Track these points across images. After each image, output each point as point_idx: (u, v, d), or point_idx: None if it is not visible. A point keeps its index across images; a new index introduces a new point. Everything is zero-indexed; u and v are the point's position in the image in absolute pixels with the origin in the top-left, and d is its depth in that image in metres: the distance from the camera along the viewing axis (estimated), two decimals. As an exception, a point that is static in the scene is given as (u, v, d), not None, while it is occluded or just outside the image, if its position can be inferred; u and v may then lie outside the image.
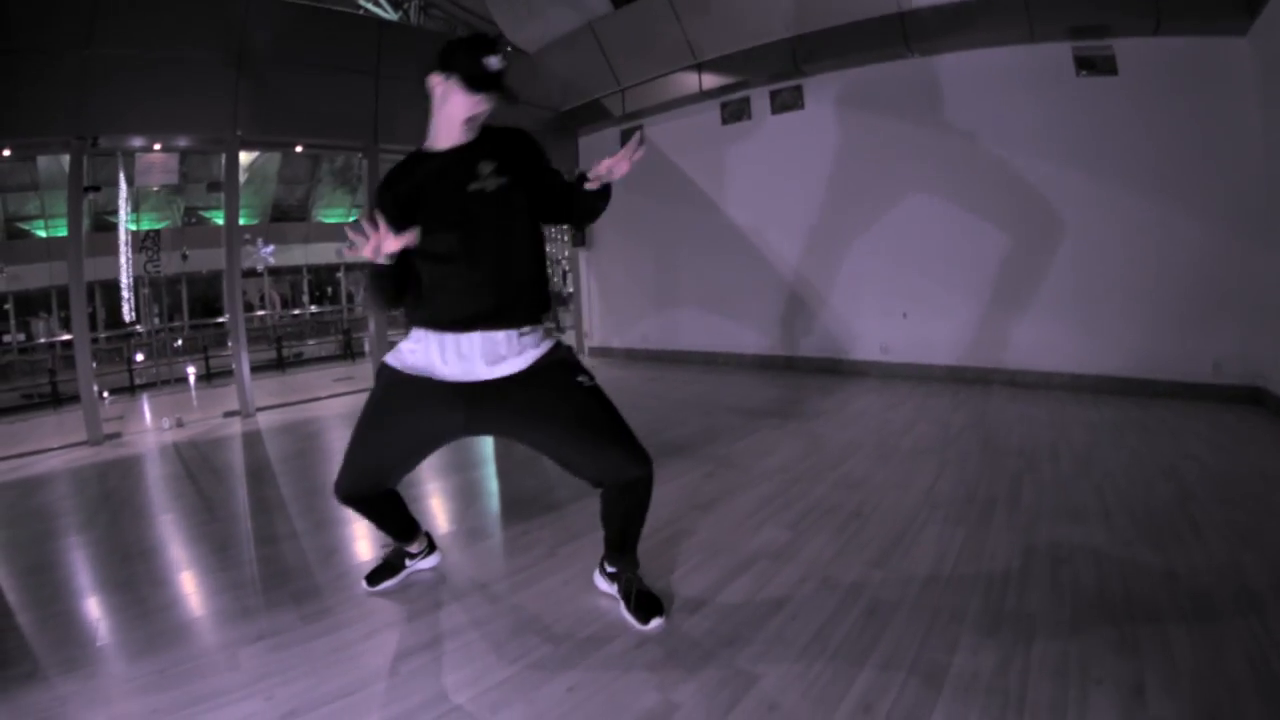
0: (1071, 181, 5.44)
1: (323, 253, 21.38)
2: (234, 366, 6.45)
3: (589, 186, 1.93)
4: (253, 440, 5.35)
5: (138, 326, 14.88)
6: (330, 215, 21.71)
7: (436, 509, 3.42)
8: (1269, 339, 4.63)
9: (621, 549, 2.20)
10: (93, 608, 2.48)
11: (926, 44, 5.85)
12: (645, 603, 2.12)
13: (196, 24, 5.56)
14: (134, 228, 15.52)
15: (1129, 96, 5.17)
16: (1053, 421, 4.54)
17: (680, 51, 7.24)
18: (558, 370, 2.02)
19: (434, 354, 1.98)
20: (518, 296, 1.99)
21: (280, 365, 11.67)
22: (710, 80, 7.25)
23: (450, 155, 1.97)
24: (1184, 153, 5.00)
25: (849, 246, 6.67)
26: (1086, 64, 5.33)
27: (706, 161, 7.74)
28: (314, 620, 2.27)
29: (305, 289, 21.79)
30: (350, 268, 22.12)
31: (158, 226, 15.79)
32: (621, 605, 2.16)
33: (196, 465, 4.63)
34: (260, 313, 19.81)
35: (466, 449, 4.47)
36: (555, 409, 1.98)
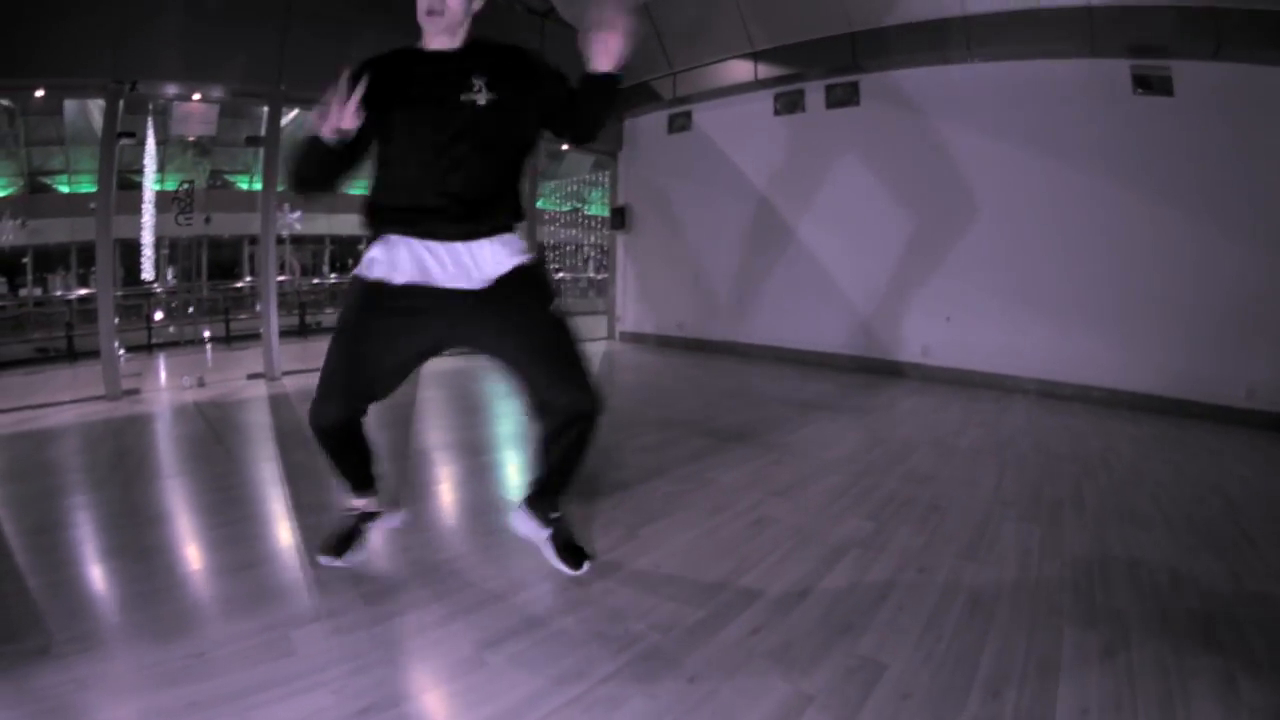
0: (1119, 198, 5.60)
1: (347, 224, 21.42)
2: (262, 329, 6.40)
3: (597, 68, 1.97)
4: (280, 403, 5.32)
5: (155, 285, 15.01)
6: (356, 186, 21.83)
7: (494, 486, 3.48)
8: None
9: (549, 490, 2.19)
10: (109, 575, 2.28)
11: (988, 49, 5.97)
12: (575, 549, 2.24)
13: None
14: (158, 187, 15.68)
15: (1182, 117, 5.33)
16: (1097, 433, 4.73)
17: (737, 38, 7.31)
18: (534, 289, 2.02)
19: (403, 260, 1.97)
20: (488, 207, 1.99)
21: (303, 331, 11.79)
22: (765, 70, 7.33)
23: (442, 58, 1.99)
24: (1230, 177, 5.16)
25: (895, 247, 6.81)
26: (1143, 83, 5.48)
27: (755, 152, 7.83)
28: (377, 600, 2.09)
29: (326, 259, 21.90)
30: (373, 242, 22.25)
31: (182, 187, 15.93)
32: (550, 550, 2.23)
33: (222, 425, 4.48)
34: (282, 279, 19.95)
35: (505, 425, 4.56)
36: (530, 330, 1.98)
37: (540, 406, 2.00)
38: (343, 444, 2.15)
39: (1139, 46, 5.42)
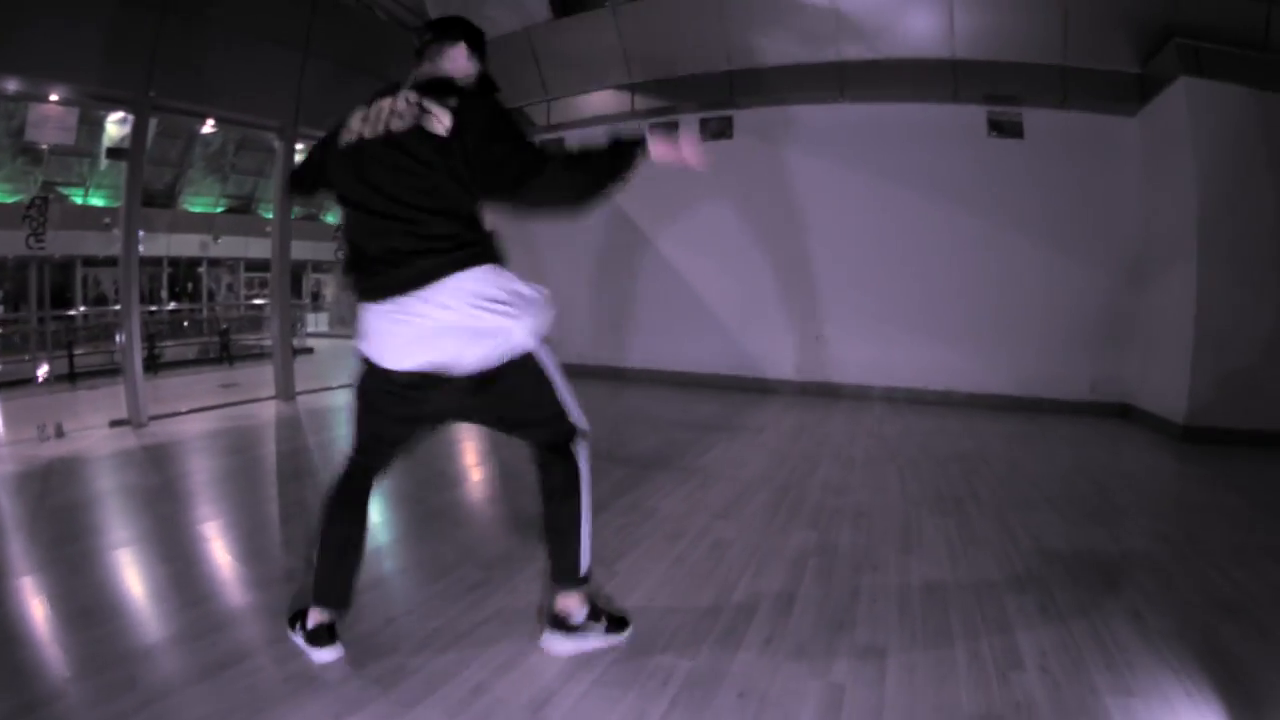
0: (974, 226, 6.76)
1: (187, 244, 19.92)
2: (124, 367, 5.90)
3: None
4: (159, 456, 4.87)
5: None
6: (199, 204, 20.32)
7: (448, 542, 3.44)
8: (1135, 364, 6.26)
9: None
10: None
11: (858, 91, 6.97)
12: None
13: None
14: None
15: (1031, 158, 6.59)
16: (968, 433, 5.61)
17: (616, 68, 7.81)
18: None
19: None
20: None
21: (154, 367, 10.75)
22: (642, 101, 7.93)
23: None
24: (1073, 209, 6.47)
25: (767, 271, 7.54)
26: (997, 126, 6.70)
27: (628, 181, 8.29)
28: (390, 687, 2.01)
29: (165, 283, 20.13)
30: (214, 263, 20.68)
31: (10, 200, 14.18)
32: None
33: (106, 490, 3.92)
34: (117, 306, 18.07)
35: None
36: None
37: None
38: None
39: (995, 95, 6.67)
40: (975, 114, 6.77)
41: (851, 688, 2.03)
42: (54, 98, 5.66)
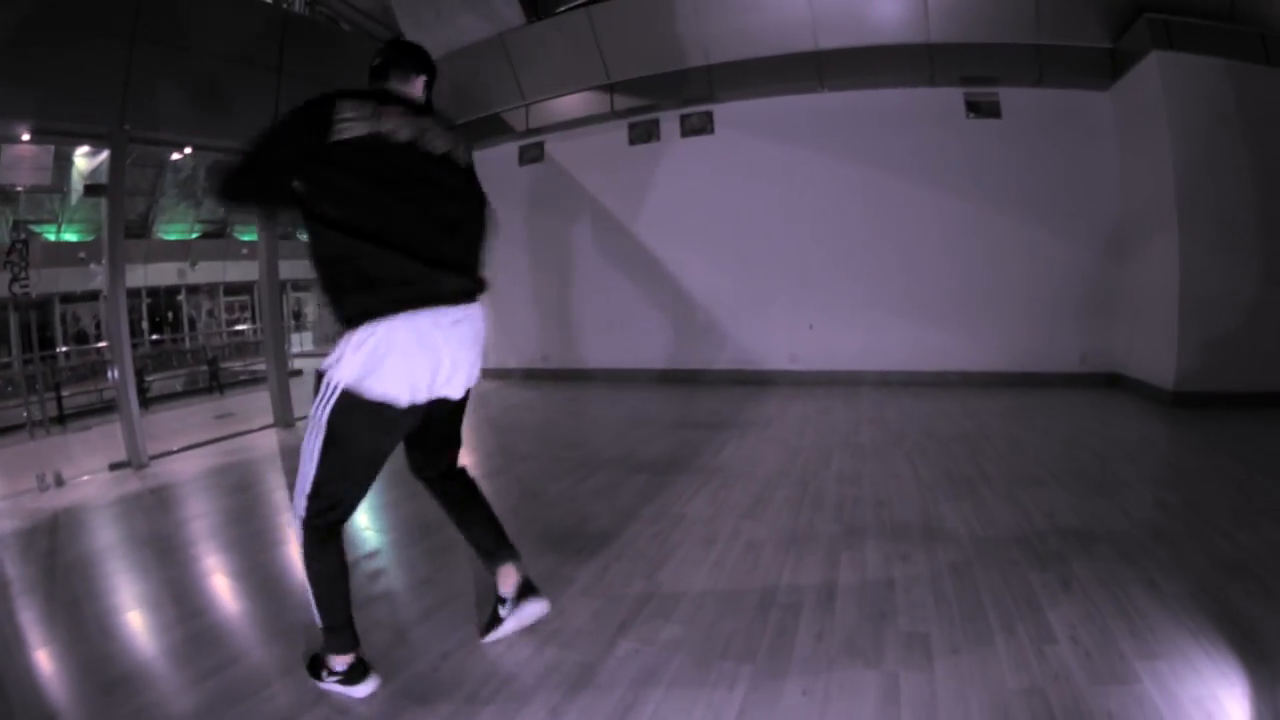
0: (957, 208, 7.02)
1: (164, 273, 19.81)
2: (119, 404, 5.85)
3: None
4: (167, 500, 4.83)
5: None
6: (173, 231, 20.19)
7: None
8: (1123, 334, 6.58)
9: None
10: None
11: (837, 80, 7.16)
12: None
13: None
14: None
15: (1009, 136, 6.85)
16: (966, 412, 5.87)
17: (594, 70, 7.94)
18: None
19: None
20: None
21: (143, 402, 10.73)
22: (621, 101, 8.04)
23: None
24: (1052, 186, 6.75)
25: (756, 264, 7.75)
26: (975, 107, 6.96)
27: (611, 181, 8.52)
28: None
29: (144, 314, 19.96)
30: (193, 290, 20.51)
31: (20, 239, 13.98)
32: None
33: (116, 542, 3.93)
34: (100, 344, 17.92)
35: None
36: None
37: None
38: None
39: (972, 77, 6.93)
40: (953, 96, 7.03)
41: (904, 675, 2.23)
42: (26, 137, 5.71)
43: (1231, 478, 3.95)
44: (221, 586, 3.35)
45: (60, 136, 6.07)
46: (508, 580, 2.49)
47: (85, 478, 5.51)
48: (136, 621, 2.99)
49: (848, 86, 7.29)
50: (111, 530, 4.32)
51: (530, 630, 2.61)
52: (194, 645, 2.70)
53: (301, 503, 2.11)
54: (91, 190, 15.73)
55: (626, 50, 7.77)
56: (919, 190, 7.16)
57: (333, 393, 2.01)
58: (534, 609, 2.52)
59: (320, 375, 2.04)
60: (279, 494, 4.85)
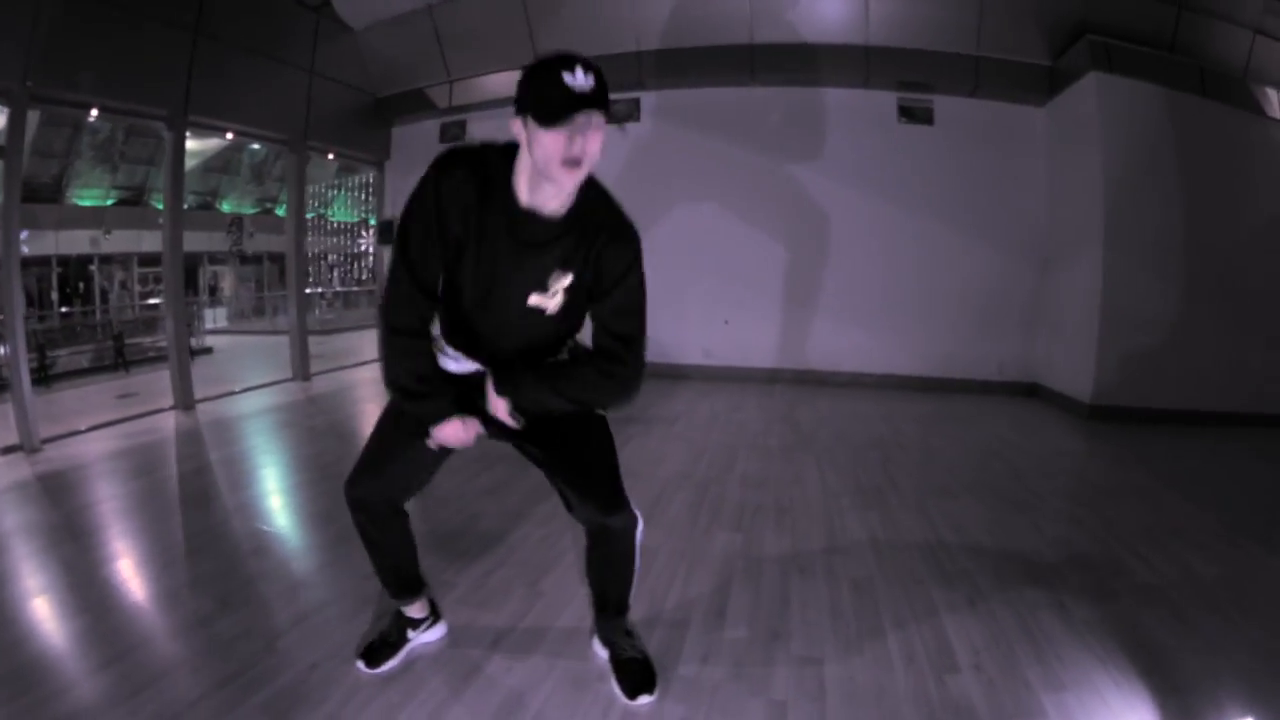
0: (884, 211, 6.97)
1: (76, 241, 18.50)
2: (11, 384, 5.31)
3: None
4: (57, 486, 4.35)
5: None
6: (87, 197, 18.83)
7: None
8: (1042, 344, 6.64)
9: (603, 609, 2.20)
10: None
11: (770, 76, 7.00)
12: (631, 671, 2.12)
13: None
14: None
15: (941, 144, 6.83)
16: (882, 416, 5.78)
17: (522, 49, 7.52)
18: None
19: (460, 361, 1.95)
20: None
21: (45, 379, 9.84)
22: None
23: (529, 226, 1.71)
24: (981, 194, 6.77)
25: (672, 256, 7.48)
26: (908, 113, 6.93)
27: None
28: None
29: (54, 284, 18.57)
30: (105, 260, 19.24)
31: None
32: (611, 674, 2.16)
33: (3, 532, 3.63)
34: None
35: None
36: (572, 433, 1.98)
37: (577, 518, 2.09)
38: (380, 530, 2.10)
39: (908, 82, 6.86)
40: (887, 100, 6.96)
41: (793, 704, 2.02)
42: None
43: (1144, 495, 3.92)
44: (108, 580, 2.97)
45: None
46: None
47: None
48: (20, 617, 2.61)
49: (779, 83, 7.15)
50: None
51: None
52: (85, 641, 2.44)
53: None
54: None
55: (557, 31, 7.45)
56: (846, 190, 7.06)
57: None
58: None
59: None
60: (170, 484, 4.38)
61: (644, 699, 2.04)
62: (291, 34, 7.33)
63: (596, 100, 1.56)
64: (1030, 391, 6.77)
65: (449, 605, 2.60)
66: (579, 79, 1.55)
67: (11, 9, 4.99)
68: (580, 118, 1.55)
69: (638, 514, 2.03)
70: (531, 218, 1.70)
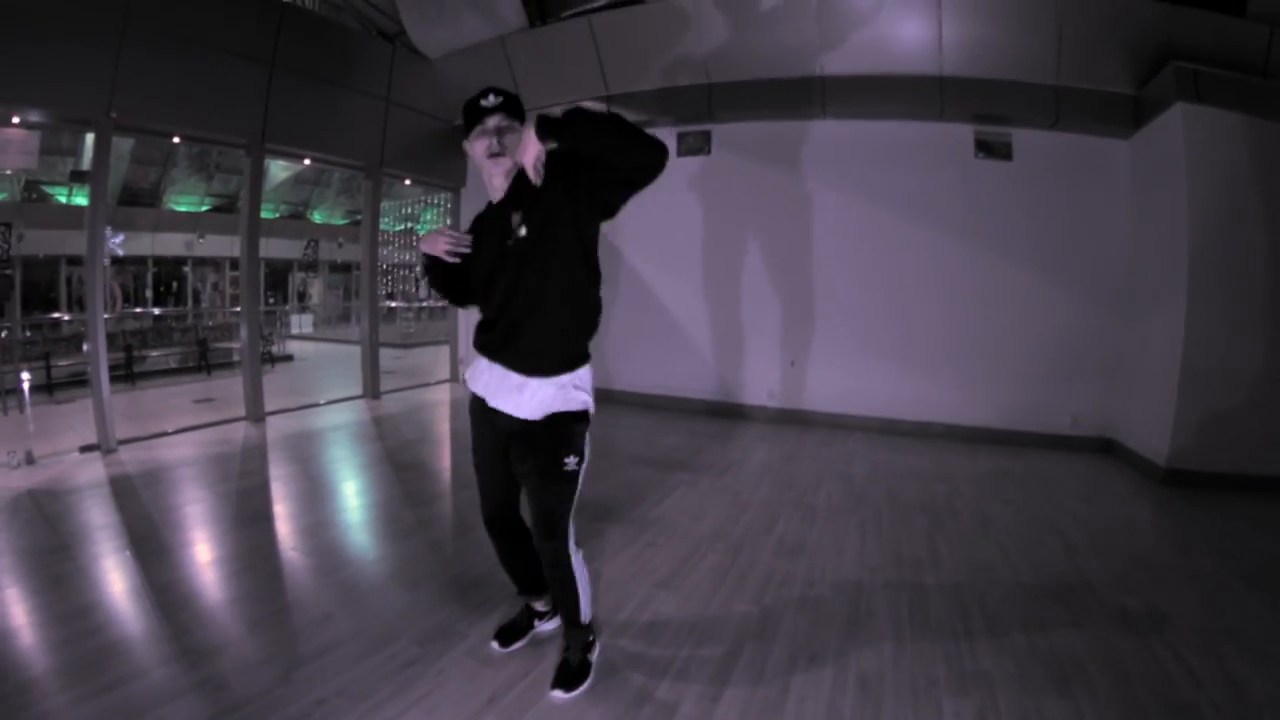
0: (956, 251, 6.73)
1: (172, 243, 20.02)
2: (91, 381, 5.91)
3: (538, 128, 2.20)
4: (123, 489, 4.88)
5: None
6: (183, 203, 20.36)
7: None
8: (1119, 397, 6.23)
9: (559, 614, 2.76)
10: None
11: (840, 108, 6.90)
12: (563, 668, 2.63)
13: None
14: None
15: (1020, 180, 6.57)
16: (939, 474, 5.56)
17: (592, 80, 7.74)
18: (555, 437, 2.43)
19: (481, 376, 2.49)
20: (544, 347, 2.38)
21: (130, 376, 10.53)
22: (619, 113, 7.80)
23: (493, 210, 2.46)
24: (1061, 234, 6.46)
25: (741, 293, 7.49)
26: (985, 147, 6.69)
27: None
28: None
29: (150, 283, 20.10)
30: (199, 262, 20.67)
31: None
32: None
33: (67, 532, 3.86)
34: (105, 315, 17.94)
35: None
36: (534, 471, 2.46)
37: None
38: (504, 544, 2.72)
39: (984, 115, 6.63)
40: (962, 133, 6.74)
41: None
42: (15, 120, 5.74)
43: (1206, 585, 3.64)
44: (143, 597, 3.26)
45: (50, 122, 6.04)
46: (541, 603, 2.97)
47: (54, 459, 5.58)
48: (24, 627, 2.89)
49: (850, 115, 7.04)
50: (67, 521, 4.27)
51: (404, 690, 2.57)
52: (95, 659, 2.70)
53: None
54: (77, 176, 15.87)
55: (626, 62, 7.56)
56: (917, 228, 6.86)
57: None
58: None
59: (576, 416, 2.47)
60: (228, 500, 4.76)
61: (557, 693, 2.53)
62: (367, 64, 7.69)
63: (502, 107, 2.41)
64: (1104, 447, 6.39)
65: (454, 657, 2.80)
66: (489, 99, 2.41)
67: (96, 45, 5.47)
68: (490, 121, 2.39)
69: (571, 548, 2.53)
70: (493, 209, 2.48)
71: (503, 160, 2.36)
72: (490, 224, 2.43)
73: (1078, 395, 6.47)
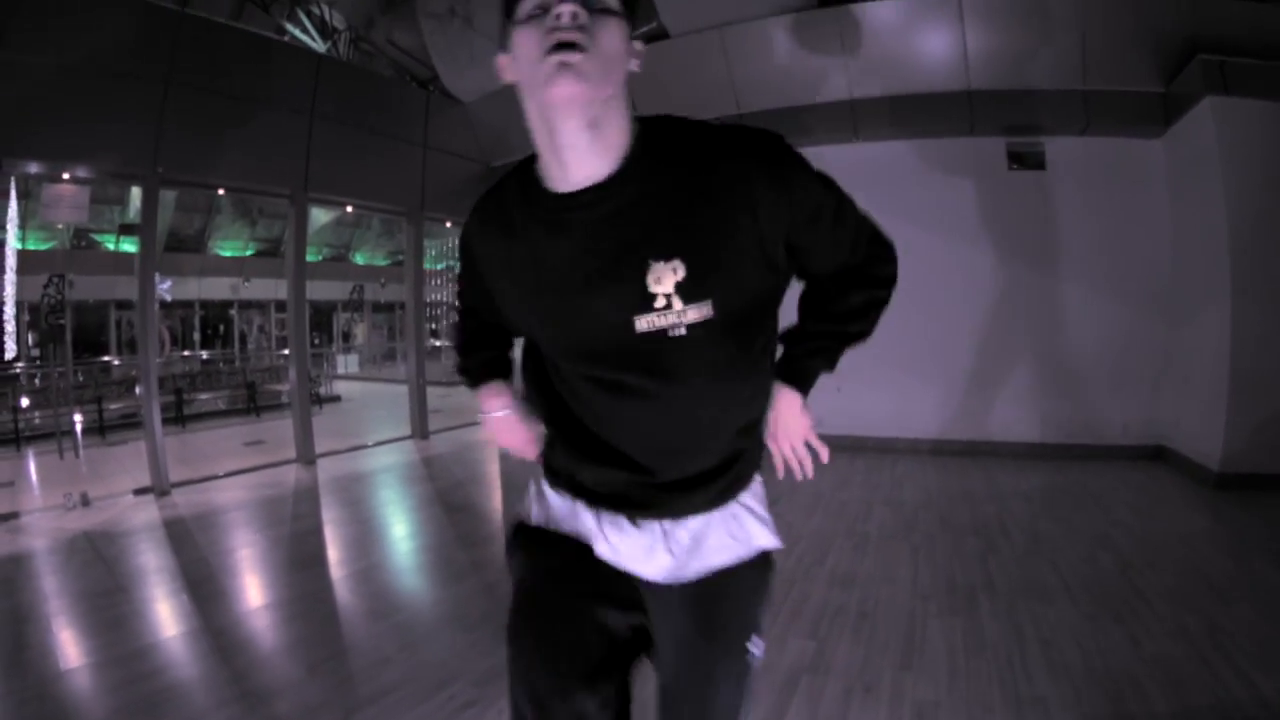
0: (995, 265, 6.78)
1: (218, 287, 21.15)
2: (144, 424, 6.20)
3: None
4: (178, 531, 5.14)
5: (17, 365, 14.04)
6: (228, 248, 21.31)
7: None
8: (1169, 402, 6.18)
9: None
10: None
11: (873, 130, 7.04)
12: None
13: (120, 40, 5.60)
14: (20, 246, 15.00)
15: (1055, 189, 6.60)
16: (990, 495, 5.58)
17: None
18: (728, 610, 1.32)
19: (583, 520, 1.32)
20: (696, 467, 1.26)
21: (180, 419, 11.02)
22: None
23: (575, 214, 1.14)
24: (1100, 240, 6.46)
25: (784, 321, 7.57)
26: (1018, 159, 6.74)
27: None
28: None
29: (197, 326, 21.25)
30: (245, 305, 21.64)
31: (44, 247, 15.83)
32: None
33: (123, 573, 4.00)
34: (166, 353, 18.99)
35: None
36: (695, 661, 1.30)
37: None
38: None
39: (1014, 126, 6.69)
40: (994, 146, 6.79)
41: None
42: (66, 176, 6.34)
43: (1265, 594, 3.61)
44: (196, 642, 3.42)
45: (99, 177, 6.68)
46: None
47: (109, 501, 5.91)
48: (76, 684, 3.02)
49: (882, 137, 7.14)
50: (124, 563, 4.53)
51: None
52: (159, 702, 2.80)
53: None
54: (126, 229, 16.62)
55: (658, 96, 7.72)
56: (956, 245, 6.90)
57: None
58: None
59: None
60: (282, 543, 5.00)
61: None
62: (404, 111, 7.99)
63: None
64: (1155, 454, 6.32)
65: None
66: None
67: (142, 103, 5.81)
68: None
69: None
70: (572, 201, 1.14)
71: (584, 78, 1.04)
72: (561, 232, 1.16)
73: (1127, 403, 6.43)
